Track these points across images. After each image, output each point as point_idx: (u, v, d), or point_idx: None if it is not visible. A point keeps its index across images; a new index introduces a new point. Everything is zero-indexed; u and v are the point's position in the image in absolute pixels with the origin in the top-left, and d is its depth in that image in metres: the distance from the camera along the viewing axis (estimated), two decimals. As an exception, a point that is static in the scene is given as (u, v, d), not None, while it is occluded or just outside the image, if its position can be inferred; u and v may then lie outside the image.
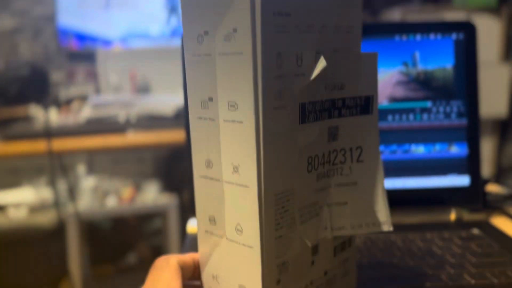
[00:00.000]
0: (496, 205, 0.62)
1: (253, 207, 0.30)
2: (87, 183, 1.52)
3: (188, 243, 0.54)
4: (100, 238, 1.65)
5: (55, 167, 1.47)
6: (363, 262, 0.48)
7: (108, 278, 1.60)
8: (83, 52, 1.71)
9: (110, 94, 1.63)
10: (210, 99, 0.32)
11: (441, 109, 0.57)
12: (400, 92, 0.57)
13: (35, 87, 1.46)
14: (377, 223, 0.37)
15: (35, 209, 1.45)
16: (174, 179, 1.66)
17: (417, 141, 0.57)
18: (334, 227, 0.36)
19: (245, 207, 0.31)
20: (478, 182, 0.58)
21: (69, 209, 1.45)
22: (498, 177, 0.66)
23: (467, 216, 0.58)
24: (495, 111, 1.77)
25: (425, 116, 0.57)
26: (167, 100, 1.51)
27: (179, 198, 1.54)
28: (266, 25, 0.28)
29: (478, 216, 0.59)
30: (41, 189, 1.51)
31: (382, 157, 0.39)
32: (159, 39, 1.73)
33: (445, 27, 0.57)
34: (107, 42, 1.71)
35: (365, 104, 0.36)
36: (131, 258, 1.67)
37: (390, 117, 0.57)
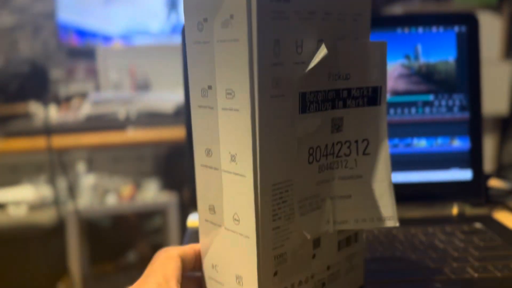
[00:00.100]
0: (498, 200, 0.61)
1: (249, 197, 0.30)
2: (87, 181, 1.51)
3: (188, 237, 0.54)
4: (100, 236, 1.65)
5: (55, 165, 1.47)
6: (364, 256, 0.47)
7: (108, 276, 1.60)
8: (83, 49, 1.70)
9: (110, 91, 1.63)
10: (210, 87, 0.32)
11: (443, 102, 0.57)
12: (402, 85, 0.56)
13: (35, 84, 1.45)
14: (382, 218, 0.36)
15: (34, 207, 1.45)
16: (174, 177, 1.66)
17: (419, 134, 0.57)
18: (337, 220, 0.35)
19: (242, 197, 0.30)
20: (480, 176, 0.57)
21: (69, 207, 1.44)
22: (499, 174, 0.66)
23: (469, 210, 0.58)
24: (496, 108, 1.76)
25: (427, 109, 0.57)
26: (167, 97, 1.50)
27: (179, 196, 1.54)
28: (263, 11, 0.28)
29: (480, 211, 0.58)
30: (41, 187, 1.50)
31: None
32: (159, 36, 1.73)
33: (448, 20, 0.57)
34: (107, 38, 1.71)
35: (373, 95, 0.35)
36: (131, 256, 1.66)
37: (391, 111, 0.57)
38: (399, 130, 0.57)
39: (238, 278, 0.32)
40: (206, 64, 0.31)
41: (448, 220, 0.56)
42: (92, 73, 1.70)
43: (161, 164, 1.75)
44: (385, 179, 0.36)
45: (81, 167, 1.55)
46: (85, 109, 1.47)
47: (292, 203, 0.32)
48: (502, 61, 1.78)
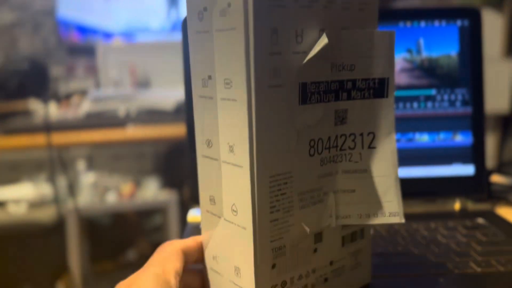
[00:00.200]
0: (500, 195, 0.61)
1: (246, 188, 0.29)
2: (87, 179, 1.51)
3: (188, 232, 0.53)
4: (100, 234, 1.65)
5: (55, 163, 1.47)
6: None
7: (108, 274, 1.60)
8: (83, 46, 1.70)
9: (110, 88, 1.62)
10: (209, 77, 0.31)
11: (445, 97, 0.56)
12: (404, 79, 0.56)
13: (35, 81, 1.45)
14: (387, 214, 0.35)
15: (34, 205, 1.44)
16: (174, 175, 1.65)
17: (421, 129, 0.57)
18: (340, 215, 0.35)
19: (239, 188, 0.30)
20: (483, 171, 0.57)
21: (69, 205, 1.44)
22: (501, 170, 0.65)
23: (472, 206, 0.58)
24: (497, 107, 1.76)
25: (429, 104, 0.56)
26: (167, 95, 1.50)
27: (179, 194, 1.53)
28: None
29: (482, 206, 0.58)
30: (41, 185, 1.50)
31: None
32: (160, 33, 1.72)
33: (450, 14, 0.56)
34: (107, 35, 1.70)
35: (380, 87, 0.34)
36: (131, 254, 1.66)
37: (393, 105, 0.56)
38: (401, 124, 0.56)
39: (237, 270, 0.32)
40: (206, 54, 0.31)
41: (451, 215, 0.56)
42: (92, 70, 1.70)
43: (161, 162, 1.75)
44: (391, 174, 0.35)
45: (81, 165, 1.55)
46: (85, 106, 1.47)
47: (291, 196, 0.31)
48: (504, 59, 1.78)
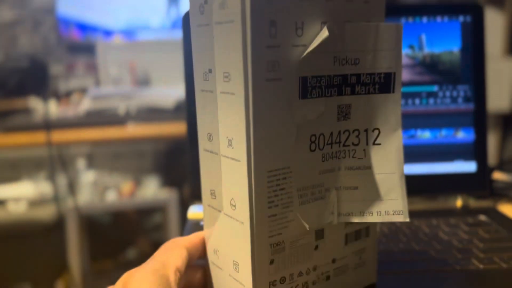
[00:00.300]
0: (502, 192, 0.60)
1: (244, 182, 0.29)
2: (87, 177, 1.51)
3: (188, 229, 0.53)
4: (99, 233, 1.64)
5: (55, 161, 1.47)
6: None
7: (108, 272, 1.59)
8: (83, 44, 1.69)
9: (110, 86, 1.62)
10: (210, 71, 0.31)
11: (447, 93, 0.56)
12: (406, 75, 0.56)
13: (35, 79, 1.45)
14: (391, 213, 0.34)
15: (34, 203, 1.44)
16: (174, 174, 1.65)
17: (423, 126, 0.56)
18: (342, 212, 0.34)
19: (237, 182, 0.30)
20: (485, 168, 0.57)
21: (69, 203, 1.44)
22: (502, 168, 0.65)
23: (474, 203, 0.57)
24: (498, 105, 1.75)
25: (431, 100, 0.56)
26: (167, 93, 1.50)
27: (179, 193, 1.53)
28: None
29: (484, 203, 0.58)
30: (41, 183, 1.50)
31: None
32: (160, 31, 1.72)
33: (452, 10, 0.56)
34: (107, 33, 1.70)
35: (386, 82, 0.33)
36: (131, 253, 1.66)
37: (395, 102, 0.56)
38: (402, 121, 0.56)
39: (235, 264, 0.32)
40: (207, 47, 0.31)
41: (452, 212, 0.55)
42: (92, 68, 1.70)
43: (161, 161, 1.75)
44: (396, 171, 0.33)
45: (81, 163, 1.55)
46: (85, 104, 1.46)
47: (290, 191, 0.31)
48: (505, 58, 1.77)
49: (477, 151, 0.57)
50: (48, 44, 1.74)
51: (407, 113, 0.56)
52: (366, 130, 0.33)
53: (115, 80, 1.62)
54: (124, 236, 1.69)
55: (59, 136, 1.33)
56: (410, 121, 0.56)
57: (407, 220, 0.33)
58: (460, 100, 0.56)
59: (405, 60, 0.56)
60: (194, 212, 0.56)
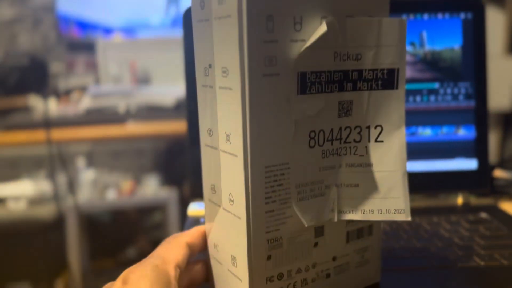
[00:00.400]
0: (503, 190, 0.60)
1: (241, 177, 0.29)
2: (87, 176, 1.51)
3: (188, 226, 0.53)
4: (99, 232, 1.64)
5: (55, 159, 1.46)
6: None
7: (108, 271, 1.59)
8: (83, 42, 1.69)
9: (109, 85, 1.62)
10: (210, 66, 0.31)
11: (448, 90, 0.56)
12: (407, 72, 0.55)
13: (35, 77, 1.45)
14: (393, 211, 0.33)
15: (34, 201, 1.44)
16: (174, 173, 1.65)
17: (424, 123, 0.56)
18: (342, 210, 0.33)
19: (235, 177, 0.30)
20: (486, 165, 0.56)
21: (69, 202, 1.44)
22: (503, 165, 0.65)
23: (474, 200, 0.57)
24: (499, 104, 1.75)
25: (432, 97, 0.56)
26: (167, 91, 1.49)
27: (179, 192, 1.53)
28: None
29: (485, 201, 0.57)
30: (41, 181, 1.50)
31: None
32: (160, 29, 1.72)
33: (453, 7, 0.56)
34: (107, 31, 1.70)
35: (389, 78, 0.32)
36: (131, 252, 1.66)
37: (396, 99, 0.56)
38: (403, 118, 0.56)
39: (233, 259, 0.32)
40: (207, 42, 0.31)
41: (453, 209, 0.55)
42: (92, 66, 1.69)
43: (161, 159, 1.74)
44: (398, 169, 0.33)
45: (80, 162, 1.55)
46: (84, 103, 1.46)
47: (289, 187, 0.30)
48: (505, 56, 1.77)
49: (478, 148, 0.56)
50: (48, 42, 1.74)
51: (408, 110, 0.56)
52: (368, 127, 0.33)
53: (115, 78, 1.62)
54: (124, 234, 1.69)
55: (59, 134, 1.33)
56: (411, 119, 0.56)
57: (409, 219, 0.33)
58: (461, 97, 0.56)
59: (406, 57, 0.55)
60: (194, 209, 0.56)
